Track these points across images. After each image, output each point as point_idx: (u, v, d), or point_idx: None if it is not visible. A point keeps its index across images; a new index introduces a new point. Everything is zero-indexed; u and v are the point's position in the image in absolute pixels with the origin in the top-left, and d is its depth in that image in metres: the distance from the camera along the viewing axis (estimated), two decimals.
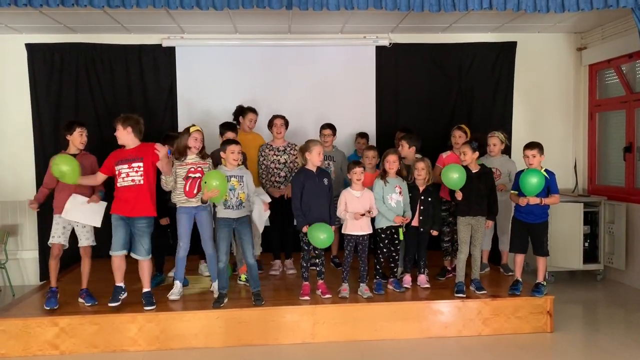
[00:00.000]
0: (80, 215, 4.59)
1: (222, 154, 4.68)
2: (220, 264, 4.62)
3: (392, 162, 4.83)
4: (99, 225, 4.68)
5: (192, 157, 4.67)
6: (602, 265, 6.35)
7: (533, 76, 6.90)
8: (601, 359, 4.17)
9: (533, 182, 4.57)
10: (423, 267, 5.06)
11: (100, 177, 4.51)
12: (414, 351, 4.34)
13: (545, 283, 4.83)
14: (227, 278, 4.67)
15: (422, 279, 5.03)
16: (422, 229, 4.96)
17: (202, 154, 4.71)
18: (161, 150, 4.38)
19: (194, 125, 4.70)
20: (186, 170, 4.64)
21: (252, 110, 5.69)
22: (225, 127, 5.36)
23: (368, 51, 6.72)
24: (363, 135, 6.23)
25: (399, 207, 4.83)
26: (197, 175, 4.62)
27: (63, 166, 4.25)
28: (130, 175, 4.40)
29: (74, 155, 4.61)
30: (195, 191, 4.61)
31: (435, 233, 5.05)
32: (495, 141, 5.48)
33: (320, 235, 4.45)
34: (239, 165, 4.68)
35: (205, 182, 4.35)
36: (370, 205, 4.71)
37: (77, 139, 4.70)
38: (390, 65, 6.73)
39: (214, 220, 4.80)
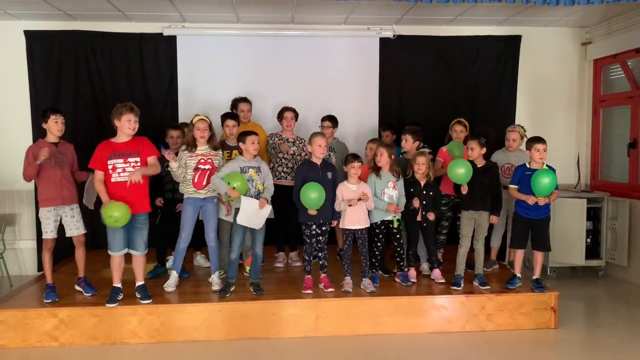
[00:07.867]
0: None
1: (241, 145, 4.60)
2: (233, 255, 4.59)
3: (386, 156, 4.74)
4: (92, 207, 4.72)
5: (202, 149, 4.62)
6: (604, 262, 6.33)
7: (537, 70, 6.83)
8: (605, 355, 4.16)
9: (546, 182, 4.51)
10: (436, 261, 5.00)
11: (101, 176, 4.26)
12: (416, 346, 4.31)
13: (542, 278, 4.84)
14: (236, 269, 4.65)
15: (437, 273, 4.95)
16: (425, 224, 4.90)
17: (214, 145, 4.67)
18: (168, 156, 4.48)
19: (197, 115, 4.63)
20: (196, 162, 4.60)
21: (244, 99, 5.56)
22: (227, 116, 5.32)
23: (372, 43, 6.63)
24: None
25: (392, 202, 4.75)
26: (207, 167, 4.58)
27: (115, 213, 4.09)
28: (127, 170, 4.26)
29: (55, 144, 4.55)
30: (204, 183, 4.55)
31: (431, 217, 4.84)
32: (515, 136, 5.39)
33: (311, 195, 4.40)
34: (255, 156, 4.65)
35: (229, 183, 4.37)
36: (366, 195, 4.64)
37: (53, 126, 4.56)
38: (394, 58, 6.66)
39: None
